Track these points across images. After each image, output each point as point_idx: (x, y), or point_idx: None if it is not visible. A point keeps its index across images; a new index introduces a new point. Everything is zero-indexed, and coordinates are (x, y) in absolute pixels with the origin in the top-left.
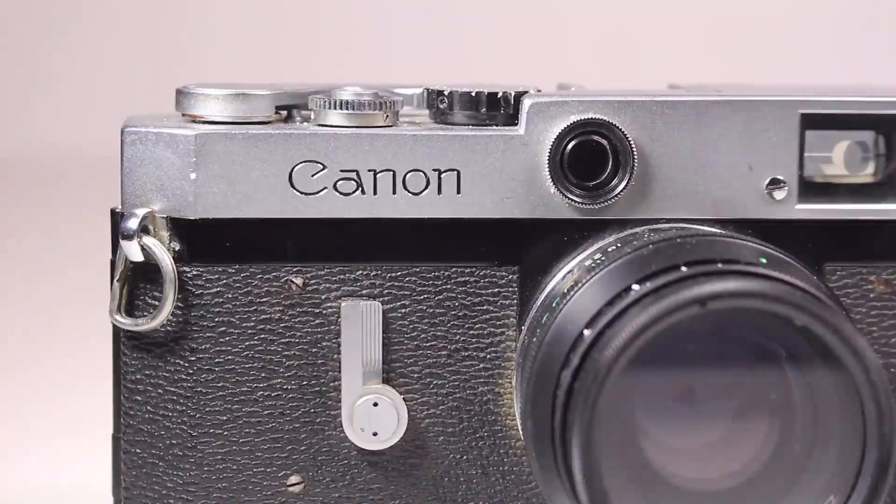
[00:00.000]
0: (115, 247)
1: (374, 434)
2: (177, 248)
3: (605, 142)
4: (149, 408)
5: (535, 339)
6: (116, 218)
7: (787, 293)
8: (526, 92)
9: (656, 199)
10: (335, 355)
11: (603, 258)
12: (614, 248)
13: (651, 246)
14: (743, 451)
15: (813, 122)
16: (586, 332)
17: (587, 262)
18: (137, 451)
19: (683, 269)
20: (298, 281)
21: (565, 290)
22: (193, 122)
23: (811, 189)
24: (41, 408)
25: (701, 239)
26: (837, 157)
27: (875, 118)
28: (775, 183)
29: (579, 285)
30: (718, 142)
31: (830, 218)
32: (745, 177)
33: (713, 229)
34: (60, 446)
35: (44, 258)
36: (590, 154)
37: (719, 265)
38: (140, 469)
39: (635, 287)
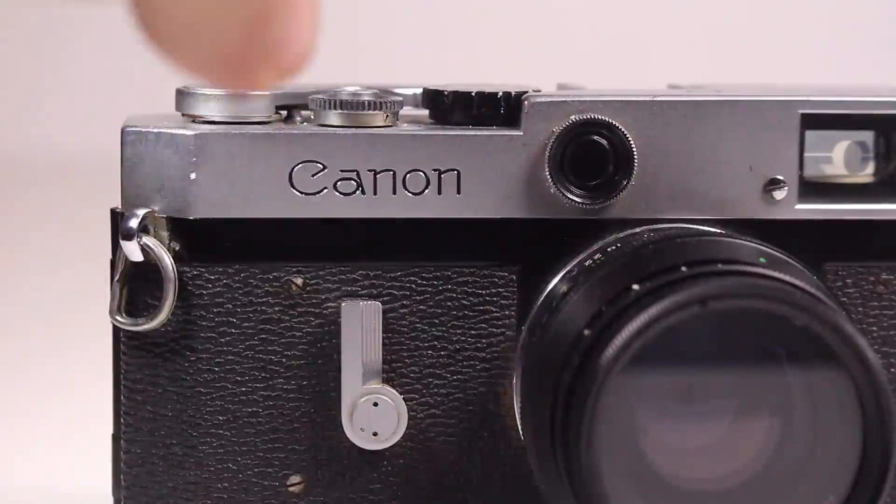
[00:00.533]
0: (115, 247)
1: (374, 434)
2: (177, 248)
3: (605, 142)
4: (149, 408)
5: (535, 339)
6: (116, 218)
7: (786, 293)
8: (526, 92)
9: (656, 199)
10: (335, 355)
11: (603, 258)
12: (614, 247)
13: (651, 246)
14: (743, 451)
15: (813, 122)
16: (586, 332)
17: (587, 262)
18: (137, 451)
19: (683, 269)
20: (298, 281)
21: (565, 290)
22: (193, 122)
23: (811, 189)
24: (41, 408)
25: (701, 239)
26: (837, 157)
27: (875, 118)
28: (775, 183)
29: (579, 285)
30: (718, 142)
31: (830, 218)
32: (745, 177)
33: (713, 229)
34: (60, 446)
35: (44, 258)
36: (590, 154)
37: (719, 265)
38: (140, 469)
39: (635, 287)
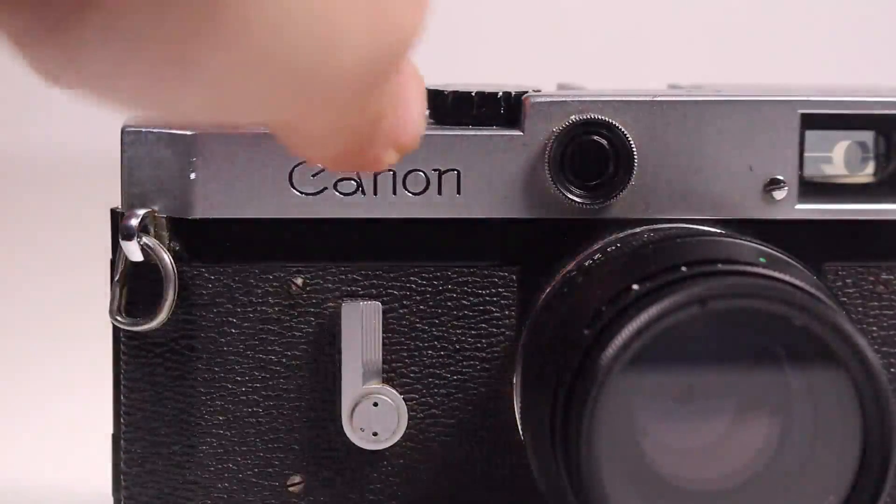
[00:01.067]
0: (115, 247)
1: (374, 434)
2: (177, 248)
3: (604, 142)
4: (149, 407)
5: (535, 339)
6: (116, 218)
7: (787, 293)
8: (526, 92)
9: (656, 199)
10: (335, 355)
11: (603, 258)
12: (614, 247)
13: (651, 246)
14: (743, 451)
15: (813, 122)
16: (586, 332)
17: (587, 262)
18: (137, 451)
19: (683, 269)
20: (298, 281)
21: (565, 290)
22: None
23: (811, 189)
24: (41, 408)
25: (701, 239)
26: (837, 157)
27: (875, 118)
28: (775, 183)
29: (579, 285)
30: (718, 142)
31: (830, 218)
32: (745, 177)
33: (713, 229)
34: (60, 446)
35: (44, 258)
36: (590, 154)
37: (719, 265)
38: (140, 469)
39: (635, 287)
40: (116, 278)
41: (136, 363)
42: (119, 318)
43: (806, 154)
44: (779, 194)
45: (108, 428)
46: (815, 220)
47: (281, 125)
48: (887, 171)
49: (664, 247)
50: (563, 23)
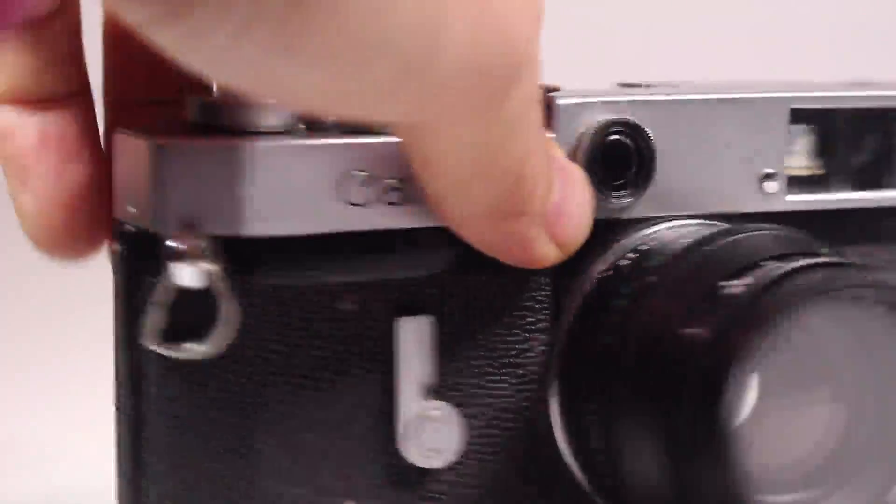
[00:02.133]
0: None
1: (434, 451)
2: (226, 268)
3: (629, 141)
4: (193, 434)
5: (585, 346)
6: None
7: (874, 282)
8: (551, 92)
9: (671, 197)
10: (390, 372)
11: (640, 257)
12: (647, 247)
13: (729, 239)
14: (812, 437)
15: (801, 116)
16: (698, 331)
17: (621, 262)
18: (177, 478)
19: (801, 260)
20: (350, 297)
21: (626, 292)
22: (234, 133)
23: (800, 181)
24: (40, 407)
25: (768, 233)
26: (823, 150)
27: (860, 112)
28: (767, 177)
29: (648, 287)
30: (715, 138)
31: (819, 209)
32: (738, 171)
33: (766, 224)
34: (59, 445)
35: (44, 258)
36: (614, 154)
37: (821, 258)
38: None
39: (729, 283)
40: (158, 301)
41: (177, 388)
42: (163, 345)
43: (795, 147)
44: (770, 187)
45: (109, 429)
46: (805, 210)
47: (418, 160)
48: (868, 162)
49: (741, 241)
50: (562, 23)
